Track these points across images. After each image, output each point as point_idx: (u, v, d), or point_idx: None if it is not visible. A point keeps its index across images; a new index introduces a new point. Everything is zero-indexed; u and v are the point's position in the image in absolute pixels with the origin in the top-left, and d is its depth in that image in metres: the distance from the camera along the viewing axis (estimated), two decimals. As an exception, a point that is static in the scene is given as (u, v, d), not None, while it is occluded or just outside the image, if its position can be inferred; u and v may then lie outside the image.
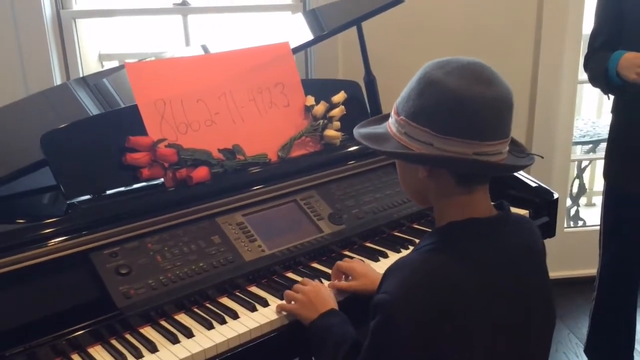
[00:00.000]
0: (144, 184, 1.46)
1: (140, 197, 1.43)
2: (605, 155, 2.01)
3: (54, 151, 1.38)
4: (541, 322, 1.08)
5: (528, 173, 2.67)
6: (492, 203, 1.10)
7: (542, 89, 2.56)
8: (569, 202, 3.30)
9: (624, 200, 1.96)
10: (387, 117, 1.11)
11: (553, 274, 2.86)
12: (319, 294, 1.26)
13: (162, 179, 1.46)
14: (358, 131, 1.12)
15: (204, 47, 2.25)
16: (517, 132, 2.63)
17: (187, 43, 2.48)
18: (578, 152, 3.36)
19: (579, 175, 3.29)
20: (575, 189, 3.33)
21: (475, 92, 0.96)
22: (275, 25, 2.36)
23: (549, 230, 1.76)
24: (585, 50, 1.95)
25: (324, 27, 2.11)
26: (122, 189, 1.44)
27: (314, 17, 2.22)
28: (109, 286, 1.27)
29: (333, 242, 1.55)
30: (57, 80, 2.42)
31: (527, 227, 1.12)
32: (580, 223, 3.30)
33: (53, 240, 1.28)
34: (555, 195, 1.77)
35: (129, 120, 1.47)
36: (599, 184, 3.86)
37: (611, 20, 1.82)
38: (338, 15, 2.10)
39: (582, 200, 3.49)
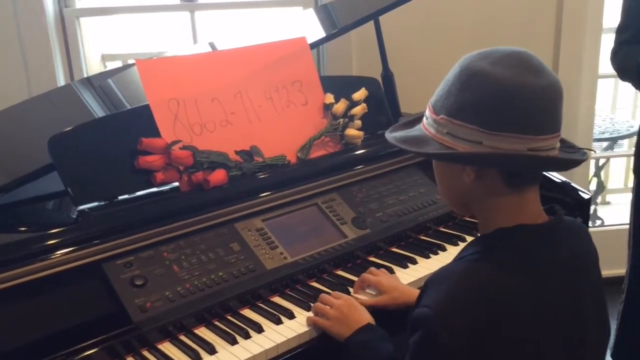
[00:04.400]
0: (158, 188, 1.37)
1: (155, 202, 1.35)
2: (636, 150, 1.92)
3: (62, 155, 1.29)
4: (596, 336, 1.00)
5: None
6: (543, 207, 1.01)
7: (562, 84, 2.47)
8: (586, 200, 3.22)
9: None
10: (418, 120, 1.02)
11: None
12: (353, 307, 1.17)
13: (177, 183, 1.38)
14: (392, 135, 1.03)
15: (212, 45, 2.17)
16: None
17: (195, 41, 2.39)
18: (596, 149, 3.27)
19: (597, 174, 3.21)
20: (592, 187, 3.24)
21: (527, 82, 0.88)
22: (286, 21, 2.27)
23: (582, 231, 1.67)
24: (606, 45, 1.86)
25: (337, 22, 2.02)
26: (135, 194, 1.35)
27: (326, 13, 2.13)
28: (124, 299, 1.19)
29: (358, 247, 1.47)
30: (61, 81, 2.33)
31: (580, 234, 1.03)
32: (598, 222, 3.21)
33: (62, 251, 1.20)
34: (587, 195, 1.69)
35: (140, 121, 1.38)
36: (614, 182, 3.78)
37: (639, 14, 1.73)
38: (352, 10, 2.02)
39: (598, 199, 3.41)
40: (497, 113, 0.89)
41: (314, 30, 1.91)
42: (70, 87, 2.10)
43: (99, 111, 1.73)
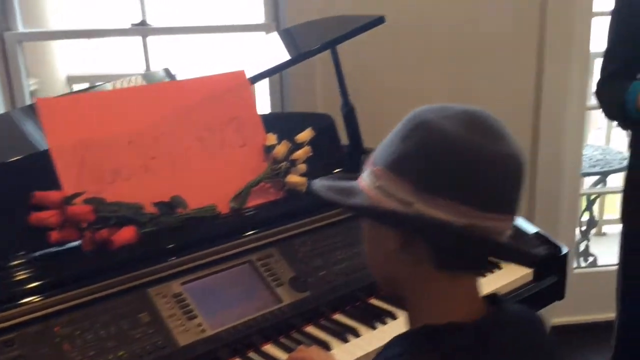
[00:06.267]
0: (56, 249, 1.18)
1: (48, 266, 1.15)
2: (623, 195, 1.73)
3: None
4: None
5: (532, 212, 2.43)
6: (486, 295, 0.82)
7: (546, 117, 2.28)
8: (577, 236, 3.02)
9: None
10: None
11: (562, 320, 2.66)
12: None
13: (79, 242, 1.19)
14: (320, 183, 0.85)
15: (167, 71, 1.99)
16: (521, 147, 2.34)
17: (148, 67, 2.22)
18: (587, 183, 3.07)
19: (589, 208, 3.00)
20: (583, 221, 3.04)
21: (480, 144, 0.71)
22: (245, 46, 2.09)
23: (558, 292, 1.48)
24: (594, 72, 1.68)
25: (298, 49, 1.85)
26: (27, 256, 1.16)
27: (288, 38, 1.96)
28: (-4, 389, 0.99)
29: (294, 314, 1.27)
30: (0, 109, 2.15)
31: (530, 329, 0.83)
32: (591, 259, 3.00)
33: None
34: (565, 250, 1.49)
35: (41, 168, 1.20)
36: (610, 213, 3.57)
37: (628, 42, 1.55)
38: (313, 37, 1.84)
39: (592, 231, 3.21)
40: (436, 171, 0.72)
41: (272, 57, 1.73)
42: (7, 116, 1.93)
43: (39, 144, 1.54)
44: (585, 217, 3.06)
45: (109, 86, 1.94)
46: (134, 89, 1.58)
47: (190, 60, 2.08)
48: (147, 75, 2.15)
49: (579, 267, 2.91)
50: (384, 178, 0.75)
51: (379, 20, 1.70)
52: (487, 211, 0.72)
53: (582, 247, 3.03)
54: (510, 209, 0.75)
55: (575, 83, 2.27)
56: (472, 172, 0.71)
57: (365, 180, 0.79)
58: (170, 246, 1.25)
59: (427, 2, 2.14)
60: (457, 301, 0.78)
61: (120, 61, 3.78)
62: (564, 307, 2.50)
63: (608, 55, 1.62)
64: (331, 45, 1.68)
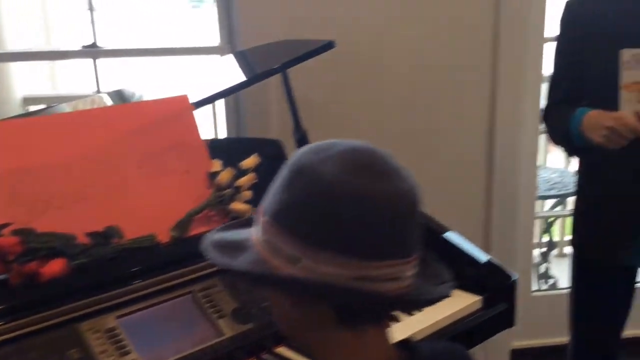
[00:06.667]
0: (-20, 282, 1.12)
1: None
2: (573, 222, 1.73)
3: None
4: None
5: (489, 236, 2.43)
6: (400, 340, 0.78)
7: (500, 141, 2.29)
8: (537, 258, 3.03)
9: (595, 273, 1.68)
10: None
11: (522, 344, 2.65)
12: None
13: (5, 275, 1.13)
14: (212, 237, 0.80)
15: (120, 93, 1.95)
16: (475, 187, 2.35)
17: (98, 89, 2.17)
18: (548, 205, 3.10)
19: (548, 230, 3.02)
20: (540, 243, 3.06)
21: (365, 187, 0.67)
22: (198, 69, 2.06)
23: (508, 319, 1.46)
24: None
25: (247, 73, 1.83)
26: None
27: (241, 61, 1.94)
28: None
29: (236, 348, 1.22)
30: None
31: None
32: (551, 281, 3.01)
33: None
34: (514, 277, 1.48)
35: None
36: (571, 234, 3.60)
37: (571, 69, 1.56)
38: (264, 61, 1.83)
39: (552, 253, 3.22)
40: (319, 222, 0.67)
41: (223, 81, 1.70)
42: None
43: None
44: (546, 239, 3.08)
45: (66, 107, 1.89)
46: (72, 114, 1.54)
47: (148, 82, 2.04)
48: (112, 95, 2.10)
49: (539, 290, 2.92)
50: (270, 231, 0.71)
51: (329, 45, 1.69)
52: (379, 259, 0.68)
53: (542, 269, 3.05)
54: (405, 252, 0.70)
55: (528, 107, 2.29)
56: (357, 219, 0.67)
57: (256, 232, 0.74)
58: (105, 278, 1.20)
59: (381, 28, 2.14)
60: (365, 354, 0.74)
61: (80, 82, 3.72)
62: (523, 330, 2.50)
63: (553, 82, 1.63)
64: (280, 69, 1.66)
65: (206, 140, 1.45)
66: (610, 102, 1.39)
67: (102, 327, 1.15)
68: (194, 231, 1.36)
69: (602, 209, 1.58)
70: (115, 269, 1.22)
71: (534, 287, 2.84)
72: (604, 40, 1.44)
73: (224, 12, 2.10)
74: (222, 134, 2.29)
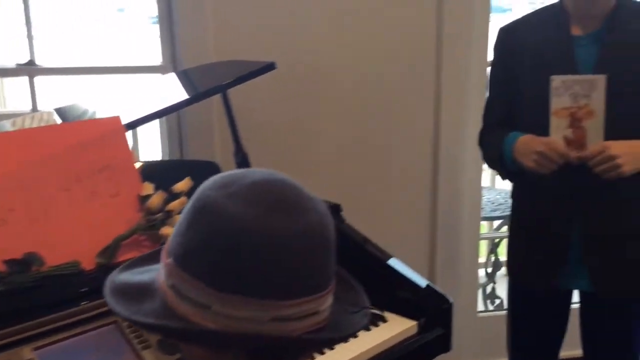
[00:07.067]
0: None
1: None
2: (507, 247, 1.75)
3: None
4: None
5: (434, 257, 2.43)
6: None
7: (444, 163, 2.31)
8: (484, 279, 3.06)
9: (530, 297, 1.69)
10: None
11: None
12: None
13: None
14: (114, 279, 0.75)
15: (60, 111, 1.88)
16: (420, 209, 2.36)
17: (35, 107, 2.10)
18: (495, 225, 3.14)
19: (494, 250, 3.06)
20: (488, 262, 3.09)
21: (270, 225, 0.64)
22: (138, 89, 2.02)
23: (444, 344, 1.45)
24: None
25: (186, 94, 1.79)
26: None
27: (182, 81, 1.90)
28: None
29: (161, 380, 1.18)
30: None
31: None
32: (498, 302, 3.04)
33: None
34: (451, 300, 1.47)
35: None
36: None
37: (505, 94, 1.59)
38: (204, 82, 1.80)
39: (498, 273, 3.26)
40: (225, 267, 0.64)
41: (155, 103, 1.66)
42: None
43: None
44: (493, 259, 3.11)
45: (7, 125, 1.82)
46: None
47: (90, 100, 1.98)
48: (59, 111, 2.02)
49: (485, 310, 2.94)
50: (175, 276, 0.66)
51: (270, 66, 1.68)
52: (293, 298, 0.65)
53: (489, 289, 3.08)
54: (321, 286, 0.68)
55: (471, 129, 2.31)
56: (267, 259, 0.63)
57: (161, 275, 0.69)
58: (22, 307, 1.14)
59: (321, 47, 2.13)
60: None
61: (22, 100, 3.63)
62: (469, 351, 2.51)
63: (488, 105, 1.65)
64: (220, 90, 1.64)
65: (138, 163, 1.41)
66: (541, 127, 1.41)
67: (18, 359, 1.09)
68: (122, 257, 1.31)
69: (532, 234, 1.60)
70: (34, 297, 1.16)
71: (481, 307, 2.86)
72: (534, 67, 1.47)
73: (166, 30, 2.07)
74: (166, 154, 2.24)
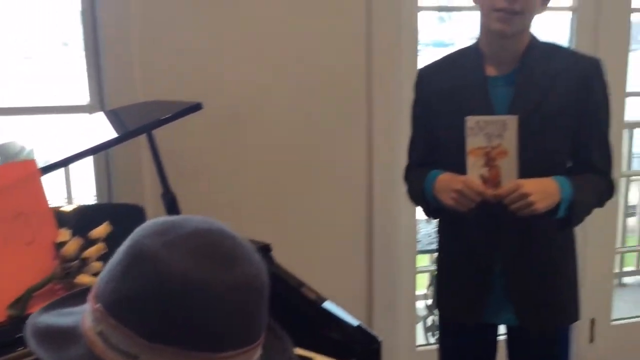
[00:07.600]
0: None
1: None
2: (436, 281, 1.77)
3: None
4: None
5: (371, 290, 2.42)
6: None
7: (378, 198, 2.33)
8: (424, 312, 3.07)
9: (457, 331, 1.71)
10: None
11: None
12: None
13: None
14: (35, 321, 0.72)
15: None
16: (356, 245, 2.36)
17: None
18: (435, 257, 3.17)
19: (433, 282, 3.08)
20: (428, 294, 3.11)
21: (208, 278, 0.63)
22: (62, 129, 1.97)
23: (378, 386, 1.44)
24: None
25: (110, 135, 1.76)
26: None
27: (111, 120, 1.87)
28: None
29: None
30: None
31: None
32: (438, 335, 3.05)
33: None
34: (379, 339, 1.47)
35: None
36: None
37: (426, 133, 1.62)
38: (128, 122, 1.77)
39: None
40: (159, 317, 0.62)
41: (76, 145, 1.62)
42: None
43: None
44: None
45: None
46: None
47: (30, 139, 1.91)
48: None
49: (425, 344, 2.95)
50: (104, 323, 0.64)
51: (196, 106, 1.67)
52: (224, 351, 0.64)
53: (429, 322, 3.08)
54: (254, 336, 0.67)
55: (405, 165, 2.34)
56: (202, 311, 0.62)
57: (87, 320, 0.67)
58: None
59: (250, 85, 2.14)
60: None
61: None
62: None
63: (411, 144, 1.68)
64: (145, 130, 1.61)
65: (54, 208, 1.36)
66: (460, 166, 1.44)
67: None
68: (35, 308, 1.25)
69: (457, 269, 1.62)
70: None
71: (421, 341, 2.86)
72: (452, 107, 1.51)
73: (93, 69, 2.03)
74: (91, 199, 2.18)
